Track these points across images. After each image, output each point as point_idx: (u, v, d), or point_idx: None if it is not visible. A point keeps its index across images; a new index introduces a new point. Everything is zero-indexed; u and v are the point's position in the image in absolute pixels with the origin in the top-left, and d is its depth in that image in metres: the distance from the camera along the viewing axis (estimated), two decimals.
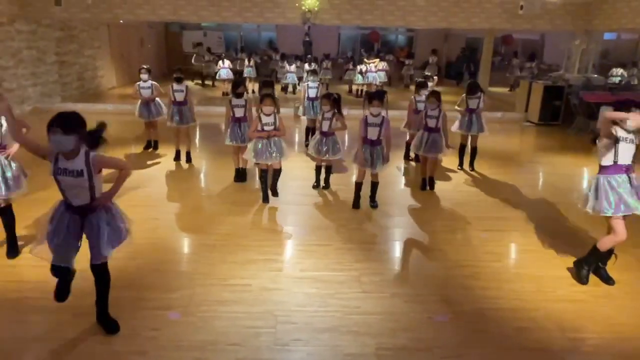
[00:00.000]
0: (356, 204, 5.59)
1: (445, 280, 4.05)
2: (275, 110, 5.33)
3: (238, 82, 6.33)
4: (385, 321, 3.44)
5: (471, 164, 7.29)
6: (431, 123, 6.05)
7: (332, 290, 3.82)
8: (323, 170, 6.25)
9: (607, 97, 10.43)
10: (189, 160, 7.23)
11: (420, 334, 3.32)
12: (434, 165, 6.30)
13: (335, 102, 5.82)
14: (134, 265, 4.11)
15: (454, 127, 7.03)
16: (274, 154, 5.37)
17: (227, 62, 14.70)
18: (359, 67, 14.85)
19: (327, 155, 5.94)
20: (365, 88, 14.77)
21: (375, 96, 5.31)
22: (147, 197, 5.88)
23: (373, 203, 5.62)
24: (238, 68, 15.58)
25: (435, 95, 6.11)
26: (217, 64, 14.96)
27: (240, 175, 6.40)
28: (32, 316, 3.38)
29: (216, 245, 4.57)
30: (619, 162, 3.78)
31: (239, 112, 6.07)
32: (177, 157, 7.24)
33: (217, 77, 14.90)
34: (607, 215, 3.78)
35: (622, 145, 3.75)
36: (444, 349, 3.18)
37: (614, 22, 10.70)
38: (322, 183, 6.25)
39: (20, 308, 3.48)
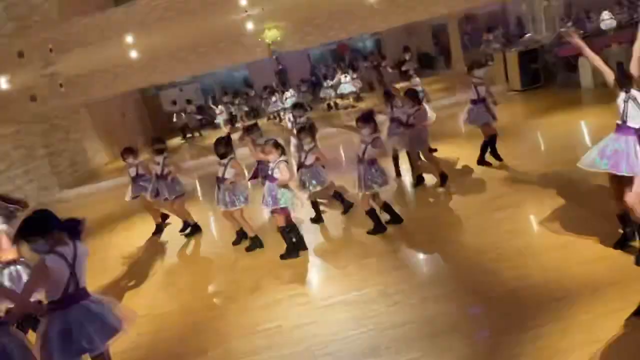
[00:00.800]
0: (382, 228, 5.19)
1: (470, 270, 4.01)
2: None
3: (219, 140, 5.60)
4: (422, 327, 3.39)
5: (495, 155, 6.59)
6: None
7: (362, 310, 3.78)
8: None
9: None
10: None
11: (462, 331, 3.26)
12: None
13: (314, 135, 5.72)
14: (163, 336, 4.09)
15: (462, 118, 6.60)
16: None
17: (220, 107, 16.01)
18: (327, 82, 15.19)
19: (310, 188, 5.65)
20: (339, 100, 15.44)
21: (360, 118, 5.11)
22: (158, 263, 5.90)
23: (396, 221, 5.32)
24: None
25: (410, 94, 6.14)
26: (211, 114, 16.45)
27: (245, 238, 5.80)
28: None
29: (238, 294, 4.55)
30: (628, 123, 3.40)
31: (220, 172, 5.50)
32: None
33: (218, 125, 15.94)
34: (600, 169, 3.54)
35: (631, 106, 3.37)
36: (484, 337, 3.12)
37: None
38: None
39: None
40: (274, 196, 4.89)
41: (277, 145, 4.92)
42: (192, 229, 6.61)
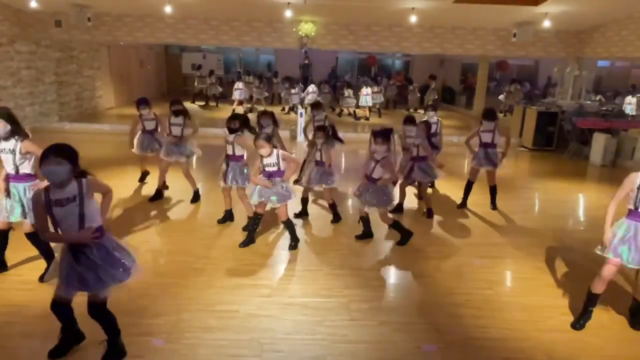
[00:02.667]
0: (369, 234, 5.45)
1: (435, 308, 4.01)
2: (275, 149, 4.79)
3: (236, 115, 5.57)
4: (373, 350, 3.39)
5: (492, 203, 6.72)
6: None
7: (320, 317, 3.77)
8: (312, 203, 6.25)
9: (600, 123, 10.56)
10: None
11: None
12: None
13: (328, 133, 5.74)
14: (120, 289, 4.04)
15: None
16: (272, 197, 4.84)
17: (242, 84, 15.73)
18: (348, 92, 15.37)
19: (317, 185, 5.86)
20: (358, 111, 15.55)
21: (378, 133, 4.95)
22: (138, 219, 5.86)
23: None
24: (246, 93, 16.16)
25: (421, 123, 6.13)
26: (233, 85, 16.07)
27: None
28: (15, 341, 3.32)
29: (205, 269, 4.53)
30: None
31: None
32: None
33: (233, 98, 15.72)
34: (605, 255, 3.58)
35: None
36: None
37: (605, 50, 10.88)
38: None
39: (4, 333, 3.42)
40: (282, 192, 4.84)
41: (268, 139, 4.75)
42: (156, 195, 6.59)
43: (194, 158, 9.03)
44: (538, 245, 5.49)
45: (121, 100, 16.27)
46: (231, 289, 4.15)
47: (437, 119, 7.36)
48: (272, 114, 6.47)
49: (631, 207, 3.50)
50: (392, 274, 4.73)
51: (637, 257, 3.44)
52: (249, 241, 5.13)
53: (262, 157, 4.78)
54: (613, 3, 9.29)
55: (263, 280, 4.36)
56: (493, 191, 6.65)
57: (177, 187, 6.94)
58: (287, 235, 5.28)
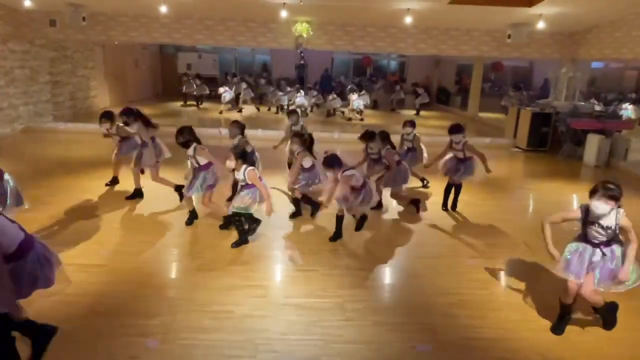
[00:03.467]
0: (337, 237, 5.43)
1: (430, 308, 4.02)
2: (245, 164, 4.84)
3: (181, 129, 5.46)
4: (367, 350, 3.39)
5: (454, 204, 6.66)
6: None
7: (315, 317, 3.77)
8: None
9: (594, 124, 10.62)
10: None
11: None
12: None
13: (305, 141, 5.85)
14: (114, 290, 4.04)
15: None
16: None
17: (226, 88, 15.69)
18: (333, 95, 15.78)
19: (301, 189, 5.92)
20: (346, 111, 15.83)
21: (325, 164, 5.10)
22: (132, 218, 5.84)
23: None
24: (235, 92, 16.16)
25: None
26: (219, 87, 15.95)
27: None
28: None
29: (200, 269, 4.52)
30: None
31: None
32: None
33: (222, 100, 15.51)
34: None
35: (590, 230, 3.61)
36: None
37: (599, 51, 10.95)
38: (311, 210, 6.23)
39: None
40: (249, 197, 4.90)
41: (238, 154, 4.82)
42: (135, 193, 6.60)
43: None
44: (532, 245, 5.51)
45: (116, 100, 16.20)
46: (226, 290, 4.14)
47: (414, 135, 7.27)
48: (240, 124, 6.30)
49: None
50: (387, 274, 4.73)
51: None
52: (241, 242, 5.13)
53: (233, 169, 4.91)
54: (607, 5, 9.35)
55: (258, 281, 4.35)
56: (458, 190, 6.56)
57: (171, 188, 6.88)
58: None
